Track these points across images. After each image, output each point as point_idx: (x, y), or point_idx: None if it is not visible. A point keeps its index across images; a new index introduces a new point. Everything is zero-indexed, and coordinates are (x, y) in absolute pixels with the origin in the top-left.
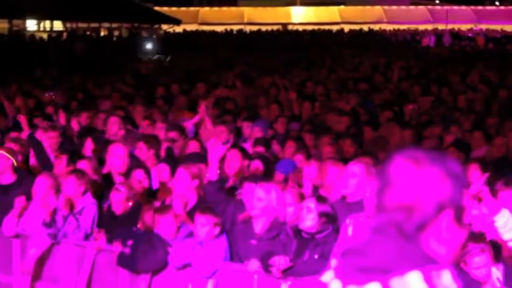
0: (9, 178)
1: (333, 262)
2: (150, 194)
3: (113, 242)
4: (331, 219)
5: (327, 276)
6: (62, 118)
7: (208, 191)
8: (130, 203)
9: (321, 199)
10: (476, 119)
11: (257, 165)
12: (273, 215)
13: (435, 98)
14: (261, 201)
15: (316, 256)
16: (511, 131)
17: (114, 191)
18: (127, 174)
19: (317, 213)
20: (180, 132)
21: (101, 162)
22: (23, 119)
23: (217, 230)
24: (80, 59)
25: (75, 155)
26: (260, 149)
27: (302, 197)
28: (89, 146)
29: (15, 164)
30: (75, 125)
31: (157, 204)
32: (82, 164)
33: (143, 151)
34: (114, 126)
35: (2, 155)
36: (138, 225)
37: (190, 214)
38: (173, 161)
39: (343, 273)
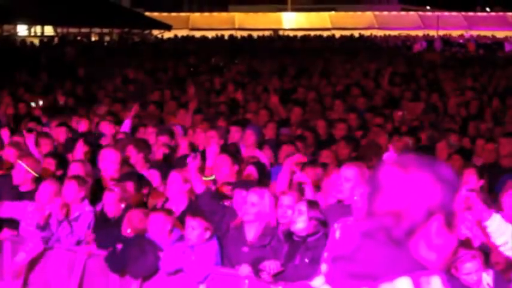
0: (28, 186)
1: (323, 267)
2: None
3: (104, 246)
4: (321, 223)
5: (317, 282)
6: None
7: (201, 203)
8: (122, 205)
9: (311, 203)
10: (464, 124)
11: (251, 171)
12: (265, 220)
13: (426, 104)
14: (254, 207)
15: (307, 260)
16: (502, 137)
17: (107, 191)
18: (119, 180)
19: (308, 217)
20: (171, 136)
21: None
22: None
23: (208, 234)
24: (69, 64)
25: (63, 160)
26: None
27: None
28: (80, 149)
29: (35, 175)
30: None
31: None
32: (75, 167)
33: (133, 155)
34: (106, 131)
35: (21, 168)
36: (128, 229)
37: (181, 218)
38: (166, 166)
39: (333, 279)
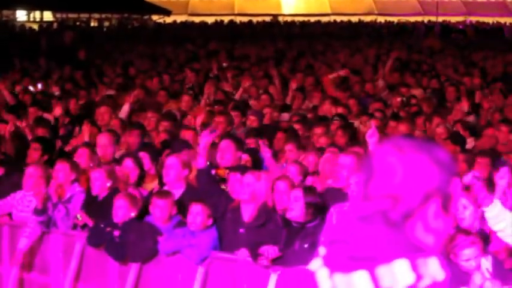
0: None
1: (321, 250)
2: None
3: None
4: (319, 209)
5: (315, 264)
6: (57, 110)
7: (199, 180)
8: (108, 184)
9: (308, 189)
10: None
11: (245, 158)
12: (260, 201)
13: (426, 90)
14: (250, 187)
15: (306, 246)
16: (501, 122)
17: (93, 169)
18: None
19: (304, 203)
20: (173, 121)
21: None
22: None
23: (210, 221)
24: (69, 49)
25: (49, 144)
26: (251, 140)
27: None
28: (86, 131)
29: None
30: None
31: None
32: (82, 151)
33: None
34: (105, 116)
35: None
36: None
37: (178, 204)
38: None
39: (330, 261)
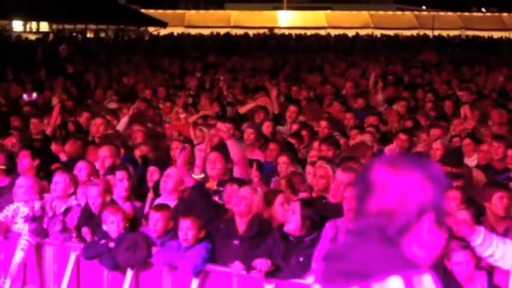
0: (2, 181)
1: (315, 266)
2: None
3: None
4: (317, 223)
5: (309, 280)
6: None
7: (191, 195)
8: (108, 198)
9: (306, 202)
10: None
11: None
12: (255, 213)
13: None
14: (246, 199)
15: (301, 259)
16: (494, 138)
17: (90, 185)
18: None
19: (300, 216)
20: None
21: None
22: None
23: (202, 233)
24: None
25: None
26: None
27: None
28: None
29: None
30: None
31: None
32: (81, 165)
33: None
34: (100, 128)
35: None
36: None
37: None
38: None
39: (324, 277)
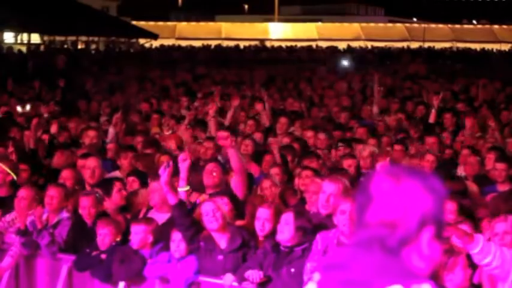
0: (5, 192)
1: (315, 275)
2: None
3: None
4: (308, 233)
5: None
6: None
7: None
8: (99, 209)
9: (299, 213)
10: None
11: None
12: (231, 226)
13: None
14: (218, 213)
15: (293, 270)
16: (487, 150)
17: (82, 196)
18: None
19: (294, 227)
20: (156, 147)
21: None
22: None
23: (193, 246)
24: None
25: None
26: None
27: (279, 213)
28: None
29: (15, 179)
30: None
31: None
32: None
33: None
34: (94, 140)
35: (1, 169)
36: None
37: (165, 228)
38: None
39: (325, 287)
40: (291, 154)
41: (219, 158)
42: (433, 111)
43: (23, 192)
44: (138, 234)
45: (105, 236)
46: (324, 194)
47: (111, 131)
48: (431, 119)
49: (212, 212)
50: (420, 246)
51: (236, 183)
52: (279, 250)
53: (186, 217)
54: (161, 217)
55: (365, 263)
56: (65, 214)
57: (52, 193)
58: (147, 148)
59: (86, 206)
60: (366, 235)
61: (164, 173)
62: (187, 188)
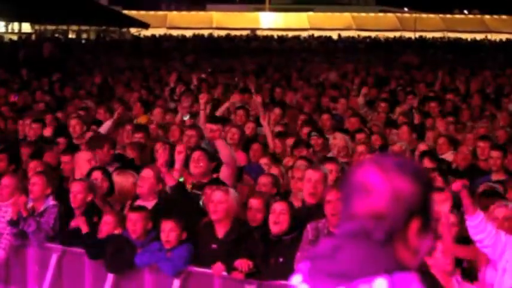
0: None
1: (302, 266)
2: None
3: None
4: (298, 223)
5: (295, 280)
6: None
7: (173, 194)
8: (89, 198)
9: (290, 203)
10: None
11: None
12: (233, 217)
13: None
14: (222, 204)
15: (281, 259)
16: (480, 139)
17: (73, 182)
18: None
19: (287, 217)
20: (146, 133)
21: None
22: None
23: (184, 235)
24: (48, 60)
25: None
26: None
27: (268, 203)
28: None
29: None
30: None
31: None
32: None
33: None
34: (76, 128)
35: None
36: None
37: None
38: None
39: (311, 277)
40: (283, 144)
41: (203, 144)
42: (416, 114)
43: (5, 181)
44: (139, 221)
45: (105, 224)
46: (309, 183)
47: (108, 123)
48: (416, 121)
49: (218, 201)
50: (408, 237)
51: (225, 173)
52: (268, 239)
53: (185, 199)
54: (147, 205)
55: (352, 255)
56: (51, 202)
57: (33, 181)
58: (136, 133)
59: (77, 192)
60: (353, 226)
61: (161, 155)
62: (182, 179)
